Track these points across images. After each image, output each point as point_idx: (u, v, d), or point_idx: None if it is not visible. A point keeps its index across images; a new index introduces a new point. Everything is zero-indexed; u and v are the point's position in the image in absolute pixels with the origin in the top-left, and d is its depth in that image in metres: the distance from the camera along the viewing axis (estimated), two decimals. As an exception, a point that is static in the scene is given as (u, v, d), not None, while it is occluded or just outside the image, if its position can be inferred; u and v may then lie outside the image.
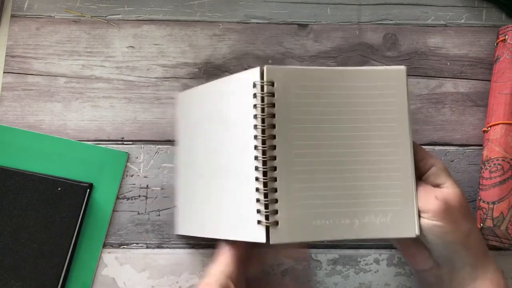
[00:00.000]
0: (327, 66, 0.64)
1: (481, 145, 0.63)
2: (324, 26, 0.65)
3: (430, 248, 0.49)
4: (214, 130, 0.52)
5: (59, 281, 0.56)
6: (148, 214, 0.60)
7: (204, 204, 0.54)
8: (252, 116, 0.46)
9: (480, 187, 0.60)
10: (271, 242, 0.45)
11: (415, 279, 0.59)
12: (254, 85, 0.46)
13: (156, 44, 0.64)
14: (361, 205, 0.47)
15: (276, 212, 0.45)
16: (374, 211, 0.47)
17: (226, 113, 0.51)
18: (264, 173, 0.45)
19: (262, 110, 0.46)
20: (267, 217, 0.45)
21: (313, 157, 0.47)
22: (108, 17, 0.65)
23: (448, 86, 0.65)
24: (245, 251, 0.50)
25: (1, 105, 0.62)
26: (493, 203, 0.58)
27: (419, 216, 0.48)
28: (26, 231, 0.57)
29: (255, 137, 0.46)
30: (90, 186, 0.59)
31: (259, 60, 0.64)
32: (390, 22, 0.66)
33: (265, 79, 0.46)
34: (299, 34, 0.65)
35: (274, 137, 0.46)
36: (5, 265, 0.56)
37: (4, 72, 0.63)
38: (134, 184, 0.61)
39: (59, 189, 0.58)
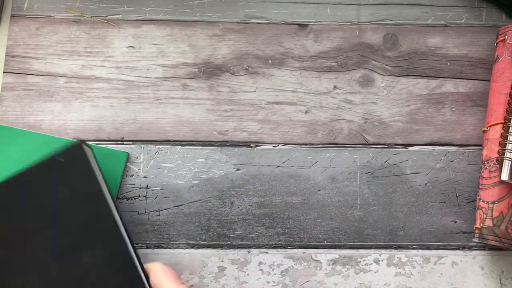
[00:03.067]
0: (326, 66, 0.64)
1: (481, 145, 0.63)
2: (324, 26, 0.65)
3: None
4: None
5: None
6: (148, 214, 0.60)
7: None
8: None
9: (480, 186, 0.60)
10: None
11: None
12: None
13: (156, 44, 0.64)
14: None
15: None
16: None
17: None
18: None
19: None
20: None
21: None
22: (108, 17, 0.65)
23: (448, 86, 0.65)
24: None
25: (1, 105, 0.62)
26: (493, 202, 0.58)
27: None
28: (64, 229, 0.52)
29: None
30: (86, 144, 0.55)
31: (259, 60, 0.64)
32: (390, 22, 0.66)
33: None
34: (299, 34, 0.65)
35: None
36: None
37: (4, 72, 0.63)
38: (134, 184, 0.61)
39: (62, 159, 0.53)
